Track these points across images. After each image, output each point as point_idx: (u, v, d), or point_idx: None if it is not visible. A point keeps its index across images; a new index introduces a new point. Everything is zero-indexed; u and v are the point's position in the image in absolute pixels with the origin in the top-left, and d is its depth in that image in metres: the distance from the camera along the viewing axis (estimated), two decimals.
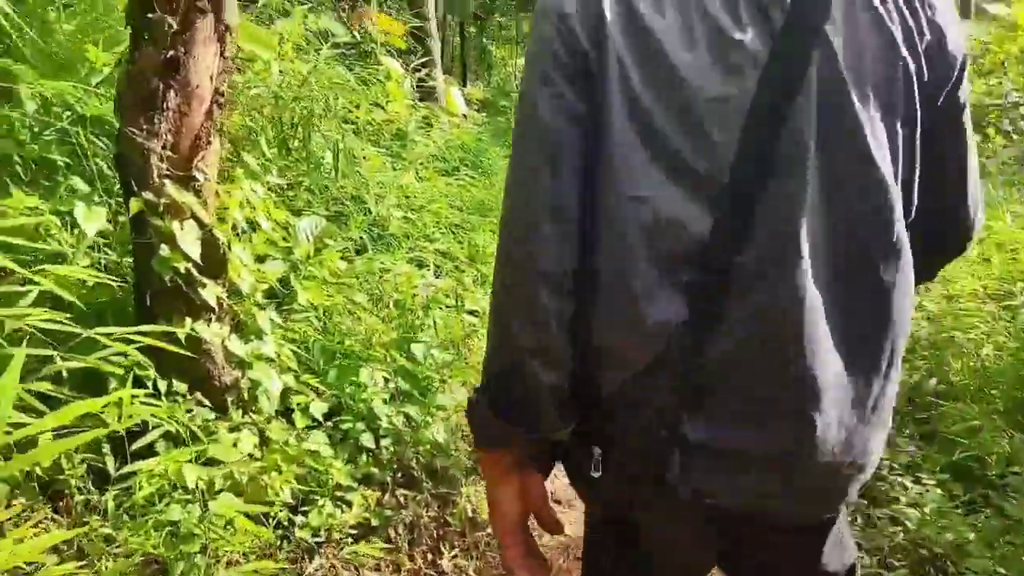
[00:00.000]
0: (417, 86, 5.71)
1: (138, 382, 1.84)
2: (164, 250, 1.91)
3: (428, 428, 2.37)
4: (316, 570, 1.86)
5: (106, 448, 1.71)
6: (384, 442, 2.30)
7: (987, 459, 2.64)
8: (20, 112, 2.25)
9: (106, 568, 1.49)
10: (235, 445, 1.93)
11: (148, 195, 1.91)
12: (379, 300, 3.05)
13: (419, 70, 5.59)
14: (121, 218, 2.21)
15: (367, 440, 2.26)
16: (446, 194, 4.40)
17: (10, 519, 1.41)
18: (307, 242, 2.50)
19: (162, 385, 1.91)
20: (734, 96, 0.77)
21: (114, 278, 2.09)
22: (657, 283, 0.80)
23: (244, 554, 1.73)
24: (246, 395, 2.11)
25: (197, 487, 1.67)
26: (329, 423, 2.30)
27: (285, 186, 3.26)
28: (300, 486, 1.98)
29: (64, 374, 1.61)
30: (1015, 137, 6.93)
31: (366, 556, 1.95)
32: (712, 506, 0.86)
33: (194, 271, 1.95)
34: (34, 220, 1.92)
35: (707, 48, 0.78)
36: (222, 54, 2.10)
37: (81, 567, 1.45)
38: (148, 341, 1.73)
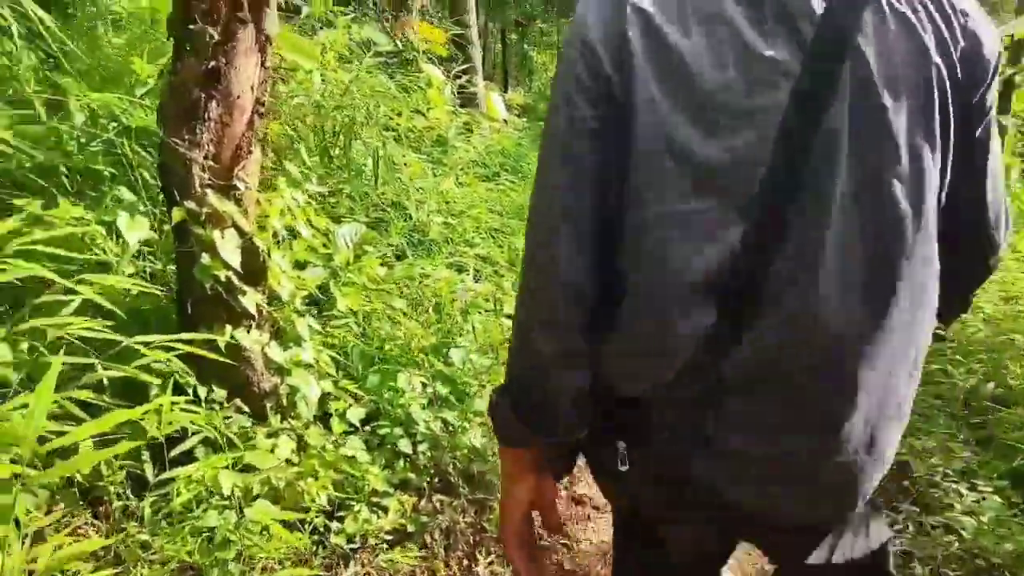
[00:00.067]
0: (458, 92, 5.74)
1: (179, 389, 1.88)
2: (205, 258, 1.94)
3: (465, 434, 2.36)
4: None
5: (145, 455, 1.73)
6: (421, 447, 2.30)
7: None
8: (69, 124, 2.31)
9: (142, 575, 1.51)
10: (272, 451, 1.95)
11: (190, 204, 1.94)
12: (419, 305, 3.06)
13: (460, 76, 5.61)
14: (165, 227, 2.26)
15: (404, 445, 2.26)
16: (486, 199, 4.40)
17: (50, 525, 1.44)
18: (347, 249, 2.52)
19: (202, 392, 1.94)
20: (765, 109, 0.78)
21: (158, 286, 2.14)
22: (687, 294, 0.81)
23: (279, 560, 1.74)
24: (285, 401, 2.13)
25: (233, 494, 1.68)
26: (367, 428, 2.31)
27: (327, 193, 3.31)
28: (337, 492, 1.99)
29: (105, 382, 1.64)
30: None
31: (401, 563, 1.95)
32: (733, 506, 0.88)
33: (234, 279, 1.98)
34: (80, 230, 1.98)
35: (735, 65, 0.78)
36: (263, 64, 2.13)
37: (117, 574, 1.47)
38: (188, 349, 1.76)
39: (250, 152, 2.05)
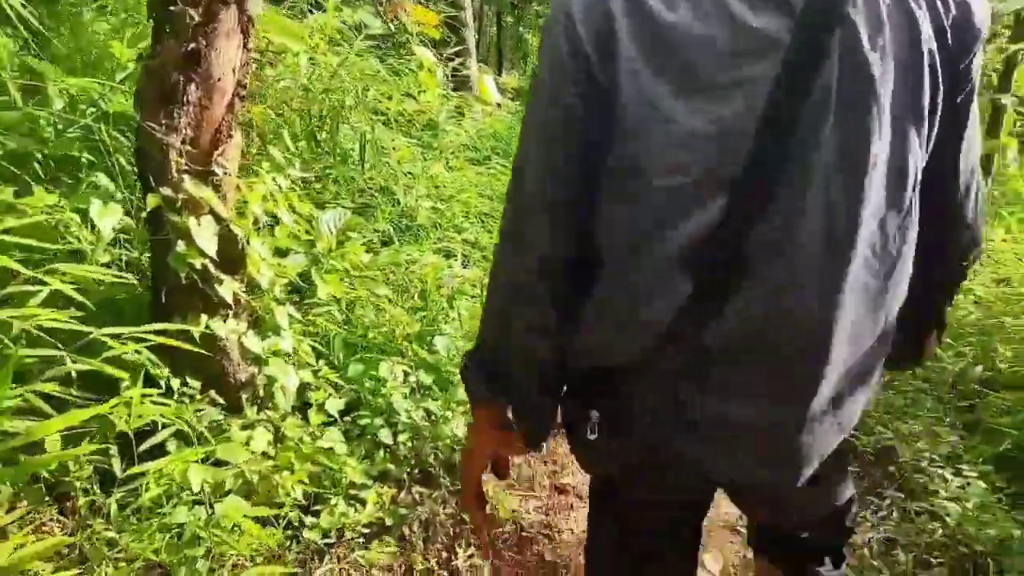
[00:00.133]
0: (451, 76, 5.67)
1: (152, 380, 1.85)
2: (180, 246, 1.90)
3: (448, 423, 2.34)
4: (326, 573, 1.85)
5: (113, 450, 1.70)
6: (402, 438, 2.27)
7: None
8: (47, 110, 2.27)
9: (107, 574, 1.49)
10: (247, 443, 1.93)
11: (166, 190, 1.90)
12: (405, 292, 3.03)
13: (453, 59, 5.54)
14: (143, 214, 2.22)
15: (385, 436, 2.24)
16: (476, 183, 4.35)
17: (13, 522, 1.42)
18: (330, 235, 2.48)
19: (175, 383, 1.91)
20: (752, 80, 0.78)
21: (132, 275, 2.11)
22: (664, 265, 0.82)
23: (251, 557, 1.71)
24: (262, 392, 2.10)
25: (203, 489, 1.66)
26: (347, 419, 2.29)
27: (313, 179, 3.26)
28: (313, 485, 1.96)
29: (73, 375, 1.61)
30: None
31: (378, 557, 1.93)
32: (714, 477, 0.93)
33: (211, 267, 1.94)
34: (52, 218, 1.94)
35: (721, 37, 0.78)
36: (245, 46, 2.08)
37: (80, 574, 1.45)
38: (159, 340, 1.72)
39: (230, 136, 2.01)
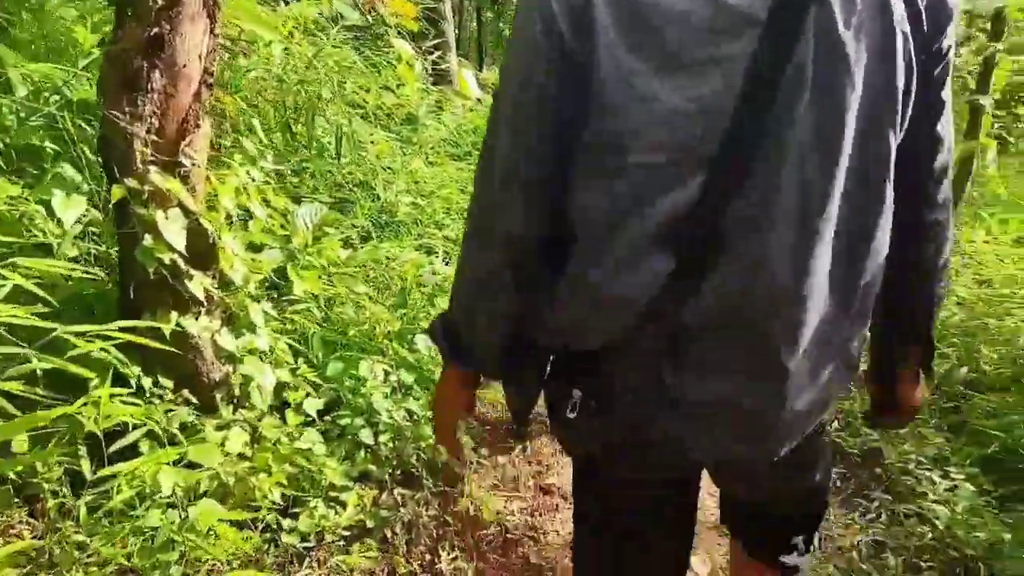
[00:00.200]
0: (431, 70, 5.59)
1: (123, 379, 1.76)
2: (148, 240, 1.81)
3: (429, 424, 2.27)
4: None
5: (82, 451, 1.62)
6: (383, 438, 2.21)
7: (1020, 451, 2.50)
8: (9, 98, 2.16)
9: None
10: (223, 444, 1.85)
11: (131, 182, 1.82)
12: (385, 289, 2.96)
13: (432, 53, 5.45)
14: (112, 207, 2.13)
15: (366, 436, 2.17)
16: (456, 179, 4.28)
17: None
18: (306, 230, 2.40)
19: (146, 383, 1.83)
20: (731, 58, 0.78)
21: (101, 270, 2.02)
22: (642, 243, 0.82)
23: (228, 561, 1.64)
24: (238, 391, 2.02)
25: (175, 492, 1.58)
26: (327, 418, 2.22)
27: (289, 172, 3.17)
28: (291, 487, 1.89)
29: (39, 373, 1.53)
30: None
31: (359, 560, 1.86)
32: (686, 451, 0.93)
33: (180, 262, 1.86)
34: (16, 210, 1.84)
35: (699, 15, 0.78)
36: (212, 32, 1.99)
37: None
38: (126, 337, 1.64)
39: (198, 126, 1.92)
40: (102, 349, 1.62)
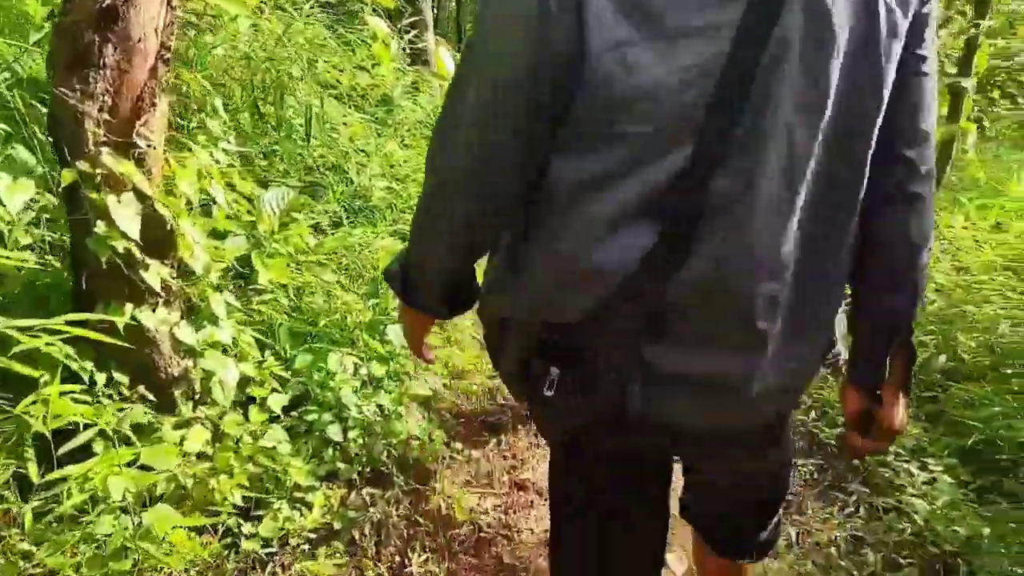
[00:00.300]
0: (407, 50, 5.44)
1: (77, 376, 1.66)
2: (100, 227, 1.70)
3: (400, 419, 2.19)
4: None
5: (30, 453, 1.52)
6: (352, 434, 2.12)
7: (999, 442, 2.49)
8: None
9: None
10: (181, 444, 1.75)
11: (82, 164, 1.70)
12: (359, 277, 2.86)
13: (408, 32, 5.31)
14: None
15: (334, 432, 2.08)
16: None
17: None
18: (273, 215, 2.29)
19: (100, 379, 1.72)
20: (717, 27, 0.77)
21: (55, 259, 1.90)
22: (626, 215, 0.82)
23: (184, 570, 1.55)
24: (199, 387, 1.92)
25: (125, 497, 1.48)
26: (294, 414, 2.13)
27: (257, 155, 3.05)
28: (253, 489, 1.80)
29: None
30: (1021, 100, 6.72)
31: (325, 564, 1.78)
32: (666, 424, 0.93)
33: (135, 250, 1.75)
34: None
35: None
36: (170, 4, 1.87)
37: None
38: (74, 332, 1.54)
39: (154, 104, 1.81)
40: (49, 344, 1.51)
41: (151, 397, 1.82)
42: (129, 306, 1.78)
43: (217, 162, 2.24)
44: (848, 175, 0.88)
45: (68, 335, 1.57)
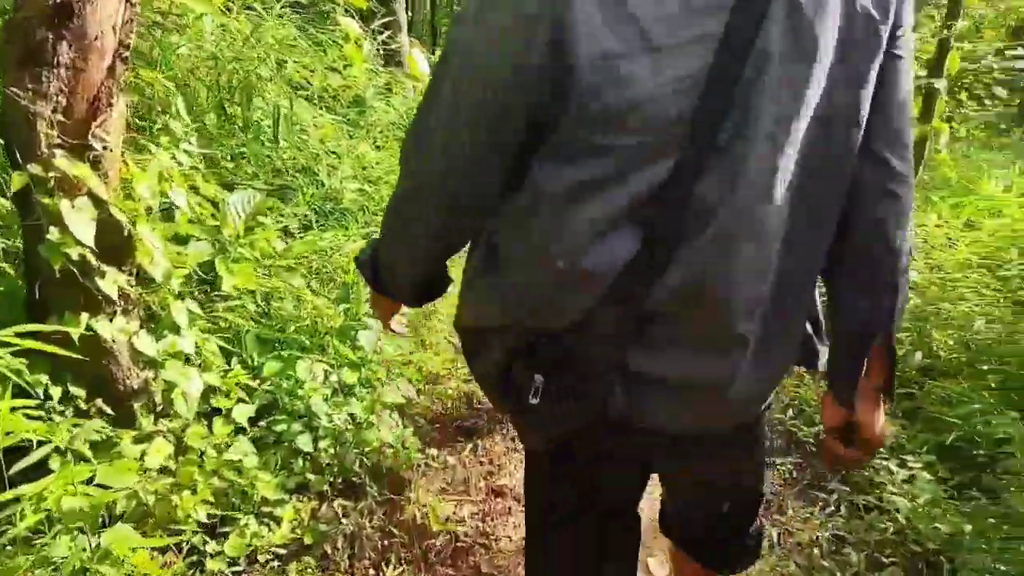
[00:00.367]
0: (381, 51, 5.38)
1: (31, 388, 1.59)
2: (53, 233, 1.63)
3: (372, 428, 2.12)
4: None
5: None
6: (323, 444, 2.05)
7: (976, 439, 2.48)
8: None
9: None
10: (141, 459, 1.68)
11: (35, 168, 1.63)
12: (329, 281, 2.79)
13: (381, 32, 5.24)
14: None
15: (304, 443, 2.02)
16: None
17: None
18: (238, 219, 2.22)
19: (56, 392, 1.65)
20: (702, 39, 0.77)
21: (9, 267, 1.82)
22: (613, 222, 0.83)
23: None
24: (159, 399, 1.85)
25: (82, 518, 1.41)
26: (262, 424, 2.06)
27: (225, 157, 2.97)
28: (218, 505, 1.73)
29: None
30: (987, 102, 6.82)
31: None
32: (649, 427, 0.94)
33: (91, 257, 1.68)
34: None
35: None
36: (128, 0, 1.80)
37: None
38: (24, 344, 1.46)
39: (111, 105, 1.73)
40: None
41: (109, 411, 1.74)
42: (85, 316, 1.70)
43: (180, 164, 2.16)
44: (830, 181, 0.89)
45: (16, 348, 1.49)
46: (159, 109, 2.63)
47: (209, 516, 1.70)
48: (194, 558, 1.66)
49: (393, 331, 1.26)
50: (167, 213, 2.15)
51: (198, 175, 2.30)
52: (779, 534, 2.22)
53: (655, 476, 1.25)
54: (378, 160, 3.87)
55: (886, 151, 0.93)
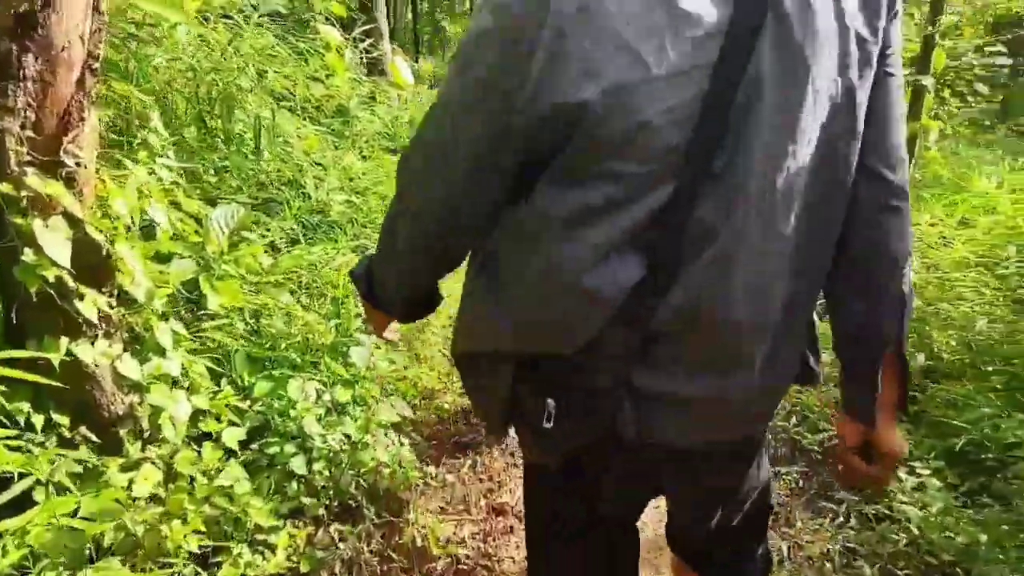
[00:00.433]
0: (364, 59, 5.31)
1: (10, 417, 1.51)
2: (28, 255, 1.55)
3: (367, 449, 2.05)
4: None
5: None
6: (317, 466, 1.98)
7: (985, 443, 2.43)
8: None
9: None
10: (129, 487, 1.60)
11: (5, 186, 1.55)
12: (320, 296, 2.72)
13: (363, 40, 5.17)
14: None
15: (298, 465, 1.94)
16: (394, 174, 4.03)
17: None
18: (221, 235, 2.14)
19: (38, 420, 1.57)
20: (698, 67, 0.78)
21: None
22: (619, 245, 0.84)
23: None
24: (146, 424, 1.77)
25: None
26: (254, 447, 1.98)
27: (210, 171, 2.89)
28: (210, 534, 1.65)
29: None
30: (970, 99, 6.84)
31: None
32: (658, 444, 0.94)
33: (68, 279, 1.60)
34: None
35: (667, 27, 0.78)
36: (96, 9, 1.72)
37: None
38: (3, 373, 1.38)
39: (83, 119, 1.65)
40: None
41: (94, 438, 1.66)
42: (65, 340, 1.62)
43: (160, 180, 2.08)
44: (834, 201, 0.90)
45: None
46: (137, 123, 2.55)
47: (201, 546, 1.62)
48: None
49: (386, 339, 1.28)
50: (149, 231, 2.07)
51: (179, 190, 2.22)
52: (789, 547, 2.16)
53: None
54: (365, 171, 3.80)
55: (882, 167, 0.94)
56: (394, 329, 1.26)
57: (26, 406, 1.58)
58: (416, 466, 2.24)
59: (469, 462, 2.49)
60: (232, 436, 1.85)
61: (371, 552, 1.91)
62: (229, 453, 1.88)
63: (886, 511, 2.27)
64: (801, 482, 2.55)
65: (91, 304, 1.61)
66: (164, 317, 1.86)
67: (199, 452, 1.80)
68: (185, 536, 1.57)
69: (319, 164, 3.63)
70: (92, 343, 1.68)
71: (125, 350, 1.77)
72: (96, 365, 1.68)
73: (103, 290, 1.69)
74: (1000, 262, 3.34)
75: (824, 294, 1.02)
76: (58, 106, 1.61)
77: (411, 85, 5.00)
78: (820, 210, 0.88)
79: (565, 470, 1.07)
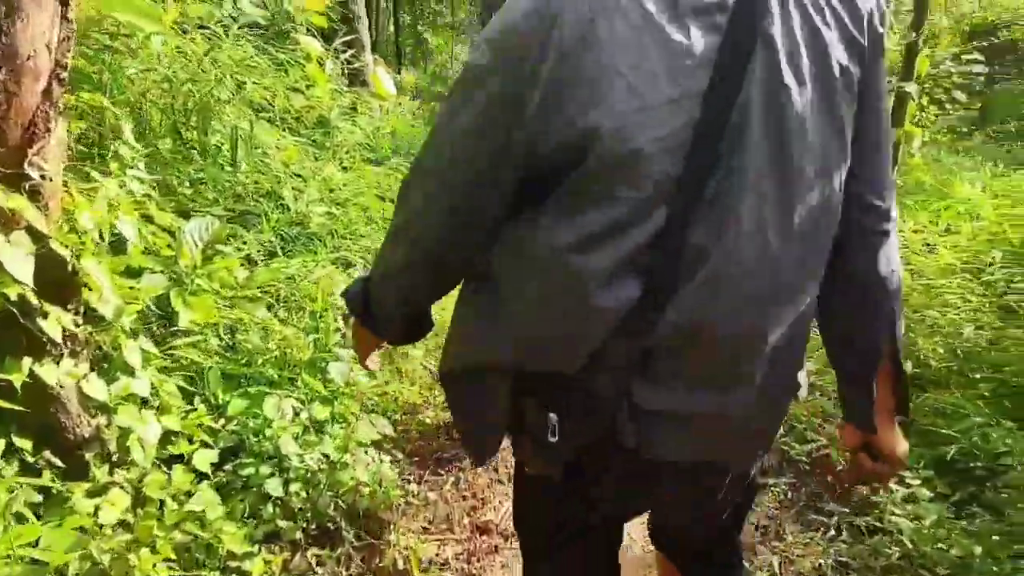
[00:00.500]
0: (345, 70, 5.26)
1: None
2: None
3: (346, 468, 1.99)
4: None
5: None
6: (294, 487, 1.91)
7: (974, 452, 2.41)
8: None
9: None
10: (96, 513, 1.53)
11: None
12: (299, 310, 2.65)
13: (344, 51, 5.13)
14: None
15: (273, 487, 1.88)
16: (375, 185, 3.98)
17: None
18: (195, 248, 2.08)
19: None
20: (689, 96, 0.81)
21: None
22: (620, 267, 0.86)
23: None
24: (114, 447, 1.70)
25: None
26: (227, 468, 1.91)
27: (185, 183, 2.82)
28: (181, 562, 1.58)
29: None
30: (948, 106, 6.90)
31: None
32: (659, 460, 0.96)
33: (31, 296, 1.53)
34: None
35: (658, 58, 0.81)
36: (64, 16, 1.66)
37: None
38: None
39: (49, 130, 1.59)
40: None
41: (58, 463, 1.59)
42: (27, 360, 1.55)
43: (131, 193, 2.02)
44: (819, 222, 0.92)
45: None
46: (111, 135, 2.49)
47: (172, 574, 1.55)
48: None
49: (367, 368, 1.28)
50: (120, 245, 2.00)
51: (151, 203, 2.16)
52: (780, 562, 2.12)
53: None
54: (345, 182, 3.75)
55: (871, 195, 0.99)
56: (376, 359, 1.27)
57: None
58: (397, 484, 2.18)
59: (452, 479, 2.43)
60: (204, 458, 1.78)
61: None
62: (201, 476, 1.81)
63: (877, 523, 2.24)
64: (790, 494, 2.51)
65: (55, 322, 1.54)
66: (134, 335, 1.80)
67: (169, 475, 1.73)
68: (154, 565, 1.50)
69: (299, 175, 3.57)
70: (57, 363, 1.61)
71: (92, 369, 1.70)
72: (61, 386, 1.61)
73: (68, 307, 1.63)
74: (985, 268, 3.33)
75: (819, 309, 1.05)
76: (23, 117, 1.55)
77: (393, 96, 4.96)
78: (811, 231, 0.90)
79: (565, 471, 1.07)
